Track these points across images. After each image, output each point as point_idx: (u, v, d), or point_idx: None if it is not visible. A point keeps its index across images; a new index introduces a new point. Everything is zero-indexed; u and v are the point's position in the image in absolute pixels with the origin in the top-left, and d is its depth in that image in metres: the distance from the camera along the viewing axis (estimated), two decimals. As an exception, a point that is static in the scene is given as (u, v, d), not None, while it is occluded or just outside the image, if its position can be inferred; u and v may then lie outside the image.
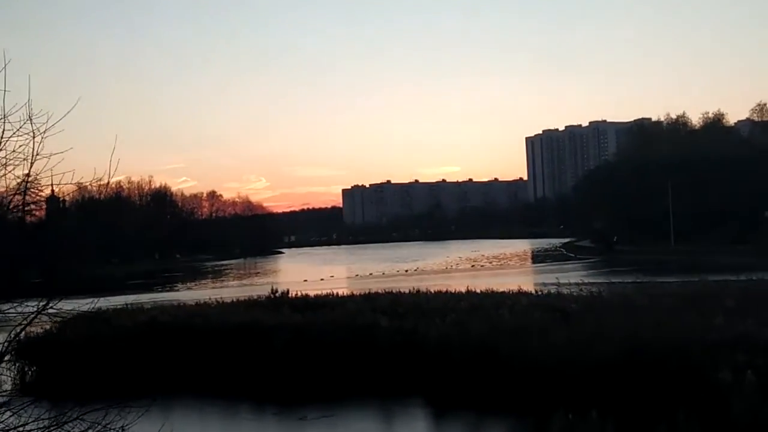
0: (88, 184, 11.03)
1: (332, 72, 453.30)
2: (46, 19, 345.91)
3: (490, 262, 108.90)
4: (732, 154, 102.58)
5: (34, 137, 9.64)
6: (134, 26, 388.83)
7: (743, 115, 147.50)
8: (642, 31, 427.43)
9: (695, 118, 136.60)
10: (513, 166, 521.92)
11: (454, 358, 21.01)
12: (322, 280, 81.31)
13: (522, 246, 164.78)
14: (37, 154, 9.72)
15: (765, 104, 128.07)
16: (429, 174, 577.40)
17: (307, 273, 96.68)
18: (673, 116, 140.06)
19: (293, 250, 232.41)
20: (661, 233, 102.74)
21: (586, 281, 38.50)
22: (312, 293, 35.26)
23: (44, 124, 9.63)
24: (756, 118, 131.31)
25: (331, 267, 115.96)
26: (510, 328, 21.50)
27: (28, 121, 9.58)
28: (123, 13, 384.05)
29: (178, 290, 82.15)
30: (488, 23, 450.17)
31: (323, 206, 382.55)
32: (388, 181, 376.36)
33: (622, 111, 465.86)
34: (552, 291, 31.65)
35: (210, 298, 35.95)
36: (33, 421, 10.35)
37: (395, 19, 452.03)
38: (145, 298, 50.86)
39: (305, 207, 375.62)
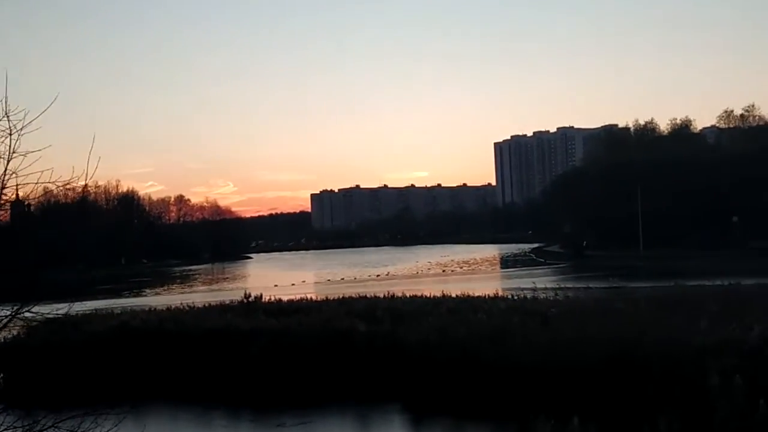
0: (59, 186, 10.56)
1: (300, 77, 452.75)
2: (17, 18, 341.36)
3: (461, 267, 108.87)
4: (700, 160, 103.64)
5: (11, 134, 9.22)
6: (102, 28, 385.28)
7: (710, 122, 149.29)
8: (609, 39, 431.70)
9: (663, 125, 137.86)
10: (482, 172, 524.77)
11: (434, 362, 20.75)
12: (293, 285, 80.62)
13: (491, 251, 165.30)
14: (14, 152, 9.28)
15: (732, 111, 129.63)
16: (398, 179, 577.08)
17: (277, 278, 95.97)
18: (642, 122, 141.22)
19: (262, 255, 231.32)
20: (630, 238, 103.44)
21: (561, 286, 38.47)
22: (284, 298, 34.85)
23: (21, 120, 9.21)
24: (723, 125, 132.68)
25: (301, 272, 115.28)
26: (490, 333, 21.27)
27: (5, 118, 9.15)
28: (90, 14, 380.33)
29: (146, 295, 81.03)
30: (456, 30, 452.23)
31: (291, 211, 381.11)
32: (357, 186, 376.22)
33: (589, 117, 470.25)
34: (528, 296, 31.45)
35: (182, 303, 35.36)
36: (5, 430, 9.96)
37: (365, 26, 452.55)
38: (113, 303, 50.09)
39: (273, 212, 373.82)
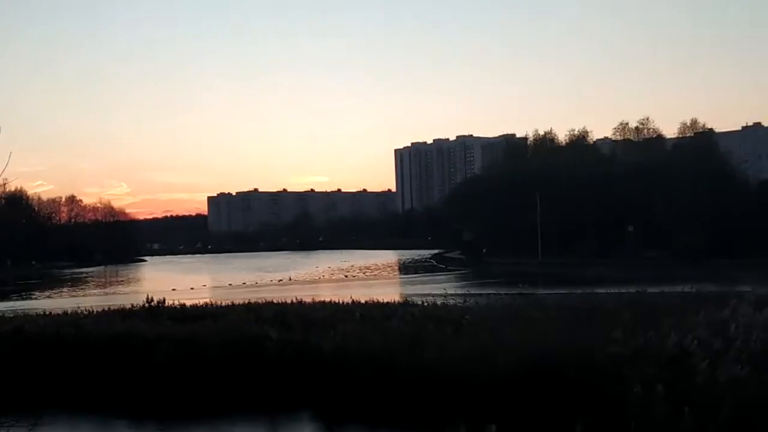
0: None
1: (196, 75, 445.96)
2: None
3: (363, 273, 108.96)
4: (597, 171, 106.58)
5: None
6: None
7: (606, 134, 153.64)
8: (506, 49, 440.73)
9: (561, 135, 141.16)
10: (382, 178, 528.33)
11: (348, 370, 20.30)
12: (192, 289, 78.93)
13: (391, 257, 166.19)
14: None
15: (627, 123, 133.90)
16: (297, 183, 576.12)
17: (175, 282, 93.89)
18: (541, 132, 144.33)
19: (156, 258, 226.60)
20: (529, 246, 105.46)
21: (471, 292, 38.63)
22: (187, 303, 33.82)
23: None
24: (618, 137, 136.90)
25: (199, 276, 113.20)
26: (406, 340, 20.95)
27: None
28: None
29: (36, 298, 77.95)
30: (358, 35, 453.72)
31: (187, 214, 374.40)
32: (256, 190, 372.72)
33: (488, 126, 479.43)
34: (438, 302, 31.38)
35: (78, 308, 33.86)
36: None
37: (266, 27, 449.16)
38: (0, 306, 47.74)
39: (168, 214, 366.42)
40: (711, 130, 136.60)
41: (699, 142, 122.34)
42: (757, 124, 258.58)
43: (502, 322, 22.41)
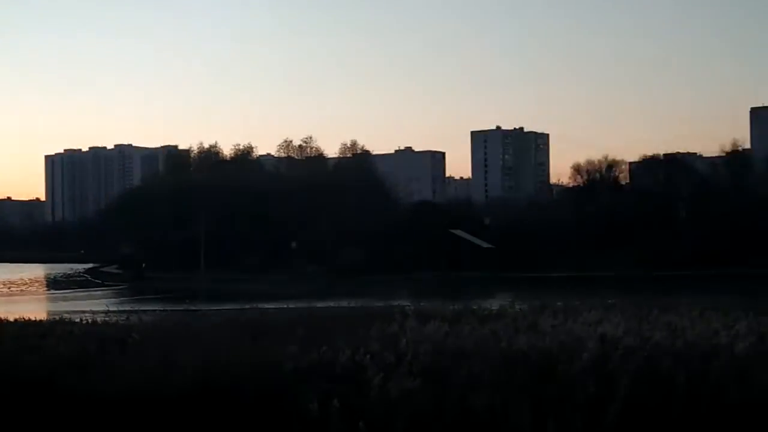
0: None
1: None
2: None
3: (8, 288, 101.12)
4: (262, 186, 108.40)
5: None
6: None
7: (271, 150, 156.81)
8: (172, 59, 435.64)
9: (227, 149, 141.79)
10: (29, 185, 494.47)
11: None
12: None
13: (40, 271, 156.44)
14: None
15: (291, 141, 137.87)
16: None
17: None
18: (206, 145, 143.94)
19: None
20: (192, 260, 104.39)
21: (136, 309, 37.10)
22: None
23: None
24: (282, 154, 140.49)
25: None
26: (67, 360, 19.43)
27: None
28: None
29: None
30: (7, 32, 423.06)
31: None
32: None
33: (148, 136, 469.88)
34: (99, 319, 29.76)
35: None
36: None
37: None
38: None
39: None
40: (368, 152, 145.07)
41: (358, 163, 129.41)
42: (409, 149, 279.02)
43: (172, 339, 21.71)
